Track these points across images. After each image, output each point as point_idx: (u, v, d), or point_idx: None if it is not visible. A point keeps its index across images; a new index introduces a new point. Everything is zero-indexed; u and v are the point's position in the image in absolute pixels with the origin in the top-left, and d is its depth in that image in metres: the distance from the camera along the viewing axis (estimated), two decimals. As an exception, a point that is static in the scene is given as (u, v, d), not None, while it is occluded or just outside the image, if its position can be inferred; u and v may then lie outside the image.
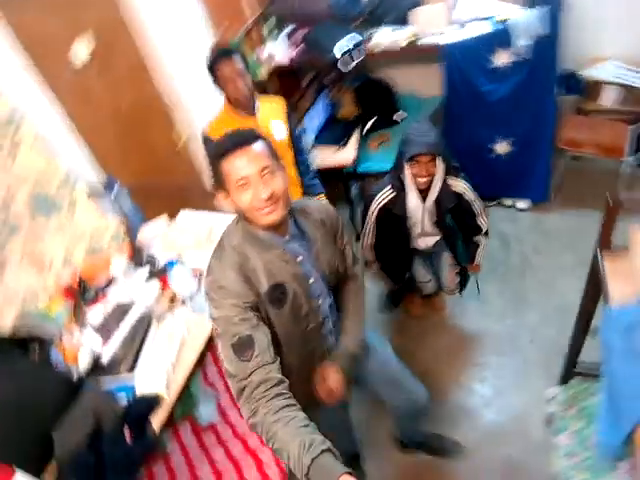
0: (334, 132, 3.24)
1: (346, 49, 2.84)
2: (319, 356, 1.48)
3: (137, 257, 1.75)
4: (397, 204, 2.20)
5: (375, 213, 2.24)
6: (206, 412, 2.12)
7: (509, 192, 3.23)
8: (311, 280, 1.34)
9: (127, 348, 1.47)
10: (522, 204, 3.22)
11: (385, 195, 2.23)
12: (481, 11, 2.80)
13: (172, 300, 1.63)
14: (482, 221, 2.27)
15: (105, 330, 1.53)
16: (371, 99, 3.49)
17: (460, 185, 2.18)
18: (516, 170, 3.08)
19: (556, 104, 2.89)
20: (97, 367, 1.46)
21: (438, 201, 2.18)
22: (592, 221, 2.98)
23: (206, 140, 2.03)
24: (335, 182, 2.98)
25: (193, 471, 2.00)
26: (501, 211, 3.26)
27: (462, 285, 2.54)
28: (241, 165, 1.15)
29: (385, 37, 2.95)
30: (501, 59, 2.69)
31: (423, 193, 2.16)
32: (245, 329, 1.15)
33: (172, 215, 1.98)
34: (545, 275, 2.82)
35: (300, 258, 1.30)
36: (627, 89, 3.07)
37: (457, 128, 3.03)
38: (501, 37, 2.62)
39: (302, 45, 3.10)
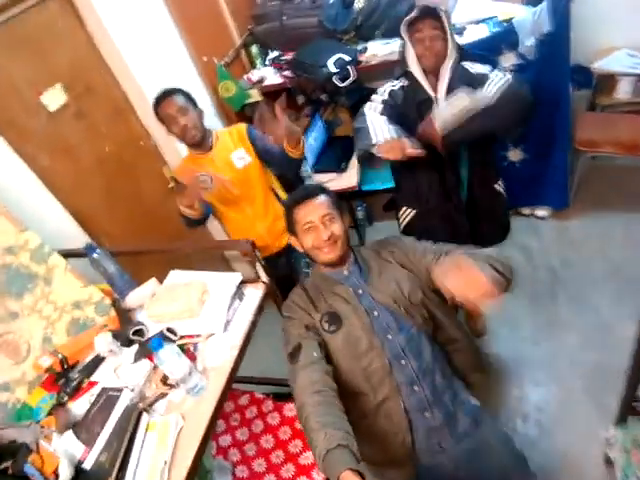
0: (332, 155, 2.96)
1: (338, 68, 2.57)
2: (393, 412, 1.31)
3: (123, 332, 1.49)
4: (408, 98, 1.84)
5: (380, 107, 1.84)
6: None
7: (526, 200, 2.88)
8: (375, 313, 1.36)
9: (113, 452, 1.19)
10: (541, 212, 2.89)
11: (393, 85, 1.88)
12: (481, 13, 2.51)
13: (164, 381, 1.36)
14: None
15: (88, 429, 1.26)
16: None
17: (482, 67, 1.81)
18: (532, 177, 2.75)
19: (570, 104, 2.59)
20: (79, 476, 1.19)
21: (450, 88, 1.77)
22: (618, 224, 2.71)
23: (173, 179, 2.07)
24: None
25: None
26: (520, 221, 2.89)
27: None
28: (307, 212, 1.40)
29: (379, 50, 2.68)
30: (508, 61, 2.37)
31: (433, 83, 1.80)
32: (296, 339, 1.32)
33: (164, 277, 1.71)
34: (576, 290, 2.47)
35: (361, 291, 1.39)
36: (644, 79, 2.76)
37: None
38: (507, 38, 2.31)
39: (289, 70, 2.84)
